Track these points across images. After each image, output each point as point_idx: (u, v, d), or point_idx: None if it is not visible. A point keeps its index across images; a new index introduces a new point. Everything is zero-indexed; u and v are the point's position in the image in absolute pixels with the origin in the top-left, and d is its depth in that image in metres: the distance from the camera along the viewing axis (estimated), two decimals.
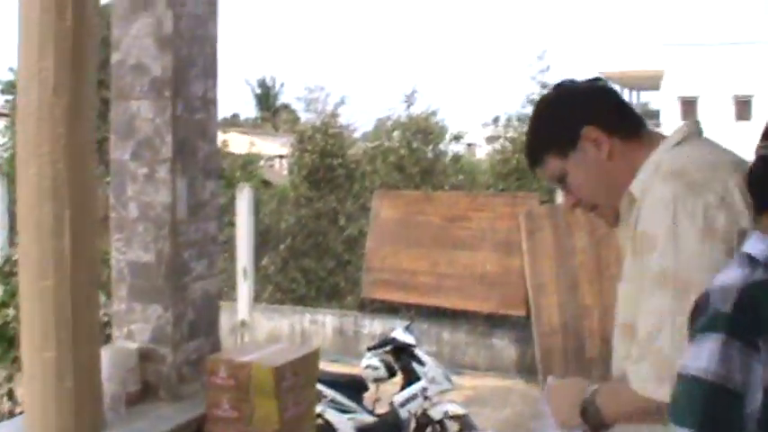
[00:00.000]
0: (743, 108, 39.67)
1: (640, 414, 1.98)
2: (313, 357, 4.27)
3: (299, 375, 4.08)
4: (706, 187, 1.89)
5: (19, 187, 3.58)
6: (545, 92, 2.14)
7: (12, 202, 15.88)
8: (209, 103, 4.29)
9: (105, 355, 3.86)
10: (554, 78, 15.55)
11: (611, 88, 2.28)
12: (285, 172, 29.73)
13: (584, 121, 2.14)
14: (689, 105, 40.73)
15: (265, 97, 55.96)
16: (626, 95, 46.56)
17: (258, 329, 13.85)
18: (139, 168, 4.10)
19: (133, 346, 4.15)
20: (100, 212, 3.87)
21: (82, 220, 3.54)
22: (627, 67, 41.14)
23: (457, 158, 16.06)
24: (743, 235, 1.80)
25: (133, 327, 4.20)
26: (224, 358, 4.06)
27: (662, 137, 2.20)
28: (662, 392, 1.85)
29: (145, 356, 4.16)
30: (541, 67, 15.30)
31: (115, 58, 4.14)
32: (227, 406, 3.98)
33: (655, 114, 41.26)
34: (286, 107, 55.06)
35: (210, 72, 4.27)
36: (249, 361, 3.97)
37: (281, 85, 55.07)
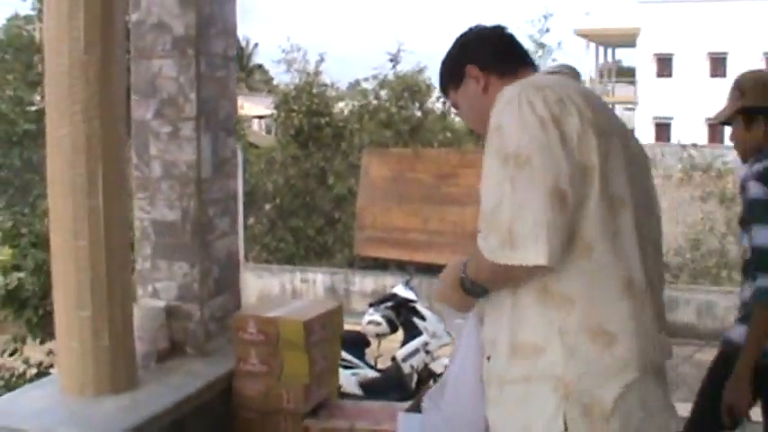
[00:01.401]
0: (717, 65, 39.88)
1: (502, 280, 2.27)
2: (337, 313, 4.32)
3: (326, 329, 4.13)
4: (546, 87, 2.19)
5: (49, 148, 3.59)
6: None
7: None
8: (229, 60, 4.31)
9: (135, 313, 3.90)
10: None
11: (506, 33, 2.60)
12: (263, 132, 29.60)
13: (468, 60, 2.51)
14: (664, 62, 40.92)
15: (239, 58, 55.61)
16: (601, 53, 46.51)
17: (248, 289, 13.85)
18: (162, 127, 4.11)
19: (161, 303, 4.18)
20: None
21: (114, 179, 3.56)
22: (604, 25, 41.06)
23: (444, 116, 16.07)
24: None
25: (158, 285, 4.23)
26: (252, 314, 4.10)
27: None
28: (511, 256, 2.12)
29: (171, 314, 4.19)
30: (540, 27, 15.48)
31: (135, 17, 4.12)
32: (255, 360, 4.03)
33: (630, 72, 41.31)
34: (260, 67, 54.78)
35: (230, 30, 4.28)
36: (277, 316, 4.02)
37: (255, 45, 54.64)
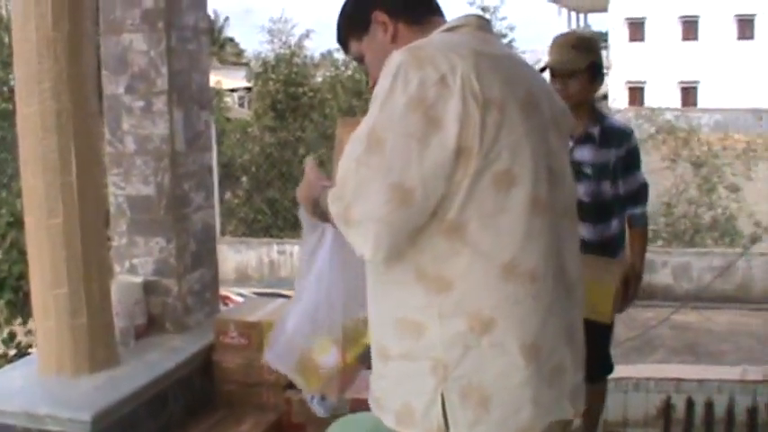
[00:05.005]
0: (689, 28, 40.18)
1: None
2: None
3: None
4: (429, 62, 1.96)
5: (20, 126, 3.55)
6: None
7: None
8: (201, 33, 4.27)
9: (113, 290, 3.87)
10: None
11: None
12: (236, 105, 29.49)
13: (374, 6, 2.26)
14: (636, 26, 41.13)
15: (210, 31, 55.27)
16: (573, 19, 46.62)
17: (225, 263, 13.82)
18: (135, 102, 4.07)
19: (138, 279, 4.16)
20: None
21: (87, 155, 3.53)
22: None
23: None
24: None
25: (135, 261, 4.20)
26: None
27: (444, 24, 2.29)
28: (345, 232, 2.02)
29: (149, 289, 4.18)
30: None
31: None
32: (235, 333, 4.03)
33: (602, 36, 41.43)
34: (231, 41, 54.61)
35: (201, 2, 4.24)
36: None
37: (226, 19, 54.36)
